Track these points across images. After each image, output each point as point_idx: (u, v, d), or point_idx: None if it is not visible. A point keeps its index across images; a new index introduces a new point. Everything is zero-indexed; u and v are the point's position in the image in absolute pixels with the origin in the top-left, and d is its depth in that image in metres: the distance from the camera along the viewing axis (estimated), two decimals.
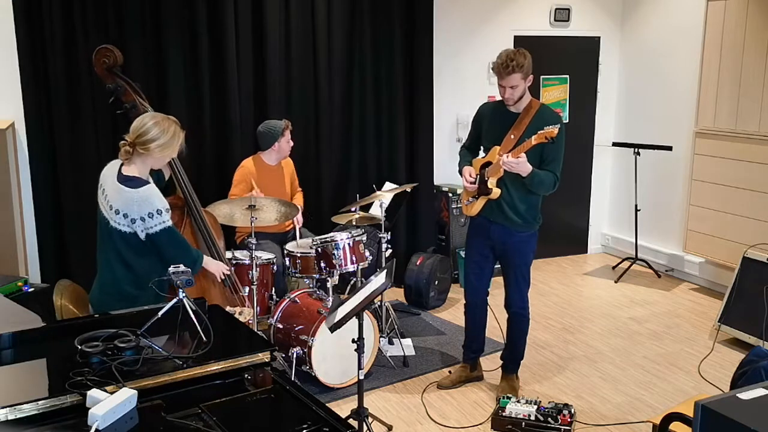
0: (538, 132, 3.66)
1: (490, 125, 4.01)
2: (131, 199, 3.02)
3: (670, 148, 6.22)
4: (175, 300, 2.41)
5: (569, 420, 3.71)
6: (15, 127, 4.75)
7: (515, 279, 4.06)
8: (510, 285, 4.09)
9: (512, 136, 3.86)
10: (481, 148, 4.14)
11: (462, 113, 6.32)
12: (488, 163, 3.93)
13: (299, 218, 5.01)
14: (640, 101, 6.80)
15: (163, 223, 3.09)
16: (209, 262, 3.54)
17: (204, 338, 2.33)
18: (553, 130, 3.61)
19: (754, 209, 5.51)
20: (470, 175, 4.00)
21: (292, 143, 4.96)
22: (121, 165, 3.11)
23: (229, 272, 3.81)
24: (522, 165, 3.71)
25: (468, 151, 4.19)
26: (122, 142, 3.10)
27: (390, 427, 3.85)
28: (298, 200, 5.16)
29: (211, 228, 3.95)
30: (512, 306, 4.12)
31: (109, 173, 3.15)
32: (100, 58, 3.74)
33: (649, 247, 6.71)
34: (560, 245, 7.18)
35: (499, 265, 4.17)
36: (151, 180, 3.17)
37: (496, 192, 3.89)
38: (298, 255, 4.49)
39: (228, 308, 3.65)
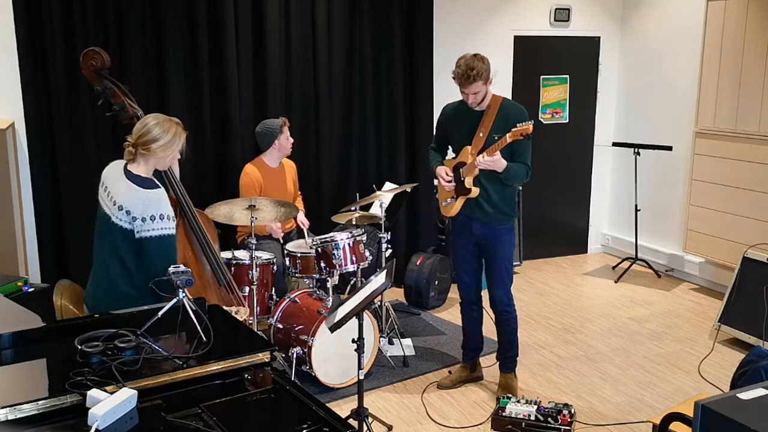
0: (513, 130, 3.72)
1: (457, 126, 4.08)
2: (139, 198, 3.02)
3: (670, 148, 6.22)
4: (175, 300, 2.41)
5: (569, 420, 3.71)
6: (15, 127, 4.75)
7: (499, 274, 4.09)
8: (494, 281, 4.11)
9: (481, 134, 3.93)
10: (450, 148, 4.21)
11: None
12: (462, 163, 3.98)
13: (304, 220, 5.01)
14: (640, 101, 6.80)
15: (163, 229, 3.06)
16: None
17: (204, 338, 2.33)
18: (529, 126, 3.69)
19: (754, 209, 5.51)
20: (447, 174, 4.06)
21: (292, 140, 4.96)
22: (126, 164, 3.12)
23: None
24: (497, 162, 3.80)
25: (436, 153, 4.25)
26: (126, 143, 3.12)
27: (390, 427, 3.85)
28: (299, 204, 5.17)
29: (204, 228, 3.94)
30: (498, 304, 4.13)
31: (112, 171, 3.15)
32: (88, 61, 3.72)
33: (649, 247, 6.71)
34: (560, 245, 7.18)
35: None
36: (159, 183, 3.17)
37: (475, 191, 3.96)
38: (298, 255, 4.49)
39: (224, 308, 3.65)
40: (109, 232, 3.08)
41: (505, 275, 4.10)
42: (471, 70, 3.76)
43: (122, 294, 3.09)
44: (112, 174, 3.14)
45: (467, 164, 3.94)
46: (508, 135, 3.73)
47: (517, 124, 3.71)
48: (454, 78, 3.87)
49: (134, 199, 3.02)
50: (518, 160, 3.90)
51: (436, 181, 4.22)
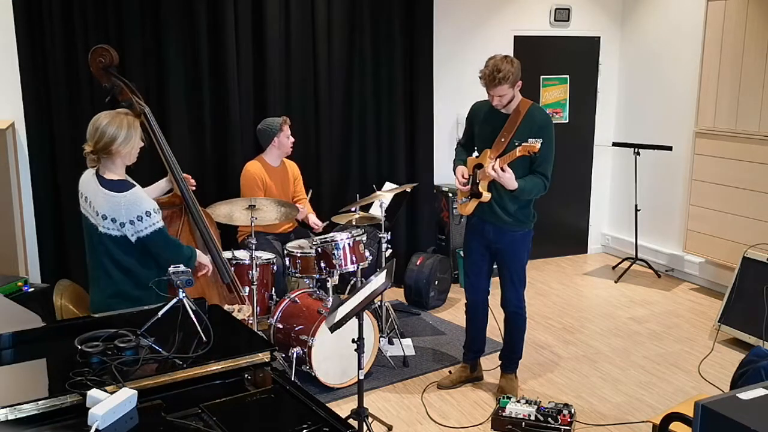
0: (523, 144, 3.69)
1: (482, 126, 4.04)
2: (118, 204, 3.00)
3: (670, 148, 6.22)
4: (175, 300, 2.41)
5: (569, 420, 3.71)
6: (15, 127, 4.75)
7: (510, 278, 4.07)
8: (506, 284, 4.10)
9: (503, 139, 3.88)
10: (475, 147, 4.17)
11: (462, 113, 6.23)
12: (481, 165, 3.96)
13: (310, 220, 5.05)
14: (640, 101, 6.80)
15: (154, 224, 3.06)
16: (200, 256, 3.48)
17: (204, 338, 2.33)
18: (535, 144, 3.65)
19: (754, 209, 5.51)
20: (463, 176, 4.02)
21: (292, 139, 4.96)
22: (96, 171, 3.09)
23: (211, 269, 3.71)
24: (506, 180, 3.73)
25: (463, 149, 4.21)
26: (85, 151, 3.05)
27: (390, 427, 3.85)
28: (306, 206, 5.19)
29: (209, 226, 3.94)
30: (509, 305, 4.12)
31: (87, 180, 3.11)
32: (96, 58, 3.73)
33: (649, 247, 6.71)
34: (560, 245, 7.18)
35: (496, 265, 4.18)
36: (134, 182, 3.14)
37: (486, 196, 3.91)
38: (298, 255, 4.49)
39: (226, 307, 3.65)
40: (100, 242, 3.08)
41: (516, 279, 4.07)
42: (498, 72, 3.69)
43: (131, 297, 3.09)
44: (88, 184, 3.10)
45: (484, 167, 3.90)
46: (518, 149, 3.70)
47: (529, 140, 3.68)
48: (480, 78, 3.81)
49: (115, 206, 3.01)
50: (537, 170, 3.85)
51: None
